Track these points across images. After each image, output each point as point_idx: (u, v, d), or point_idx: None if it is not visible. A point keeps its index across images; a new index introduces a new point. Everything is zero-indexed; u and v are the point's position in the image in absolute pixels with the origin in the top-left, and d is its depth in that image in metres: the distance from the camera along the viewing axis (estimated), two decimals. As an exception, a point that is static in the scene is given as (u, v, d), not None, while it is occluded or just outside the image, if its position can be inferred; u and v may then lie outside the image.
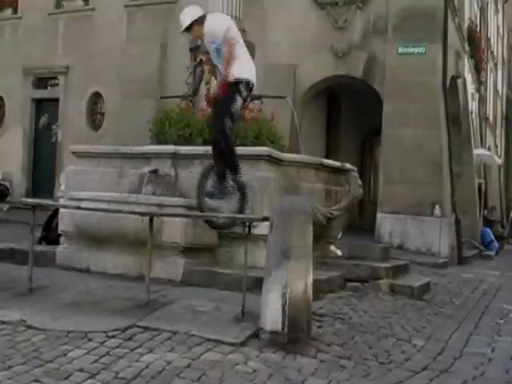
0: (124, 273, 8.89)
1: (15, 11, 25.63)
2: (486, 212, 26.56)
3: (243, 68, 8.58)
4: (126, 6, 22.93)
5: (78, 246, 9.64)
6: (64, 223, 9.86)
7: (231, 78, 8.40)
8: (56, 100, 24.13)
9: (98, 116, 23.61)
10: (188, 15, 8.89)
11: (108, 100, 23.05)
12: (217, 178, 8.55)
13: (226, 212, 8.46)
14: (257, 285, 6.98)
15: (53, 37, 24.05)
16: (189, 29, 8.90)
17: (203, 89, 11.52)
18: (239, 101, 8.48)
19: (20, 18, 25.24)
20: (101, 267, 9.17)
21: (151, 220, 7.35)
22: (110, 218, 8.61)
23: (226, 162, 8.48)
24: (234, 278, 8.09)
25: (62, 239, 10.23)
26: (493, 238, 23.15)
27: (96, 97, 23.50)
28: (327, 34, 19.76)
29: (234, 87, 8.45)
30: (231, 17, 11.80)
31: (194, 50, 11.76)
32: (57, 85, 24.25)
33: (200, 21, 8.77)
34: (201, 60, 11.54)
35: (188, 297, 7.71)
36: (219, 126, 8.41)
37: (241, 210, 8.42)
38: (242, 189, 8.54)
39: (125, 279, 8.62)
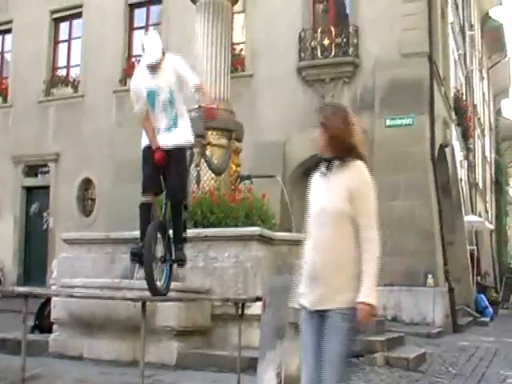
0: (118, 359, 8.85)
1: (5, 99, 25.96)
2: (479, 278, 26.58)
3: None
4: (115, 92, 23.25)
5: (71, 334, 9.61)
6: (56, 311, 9.85)
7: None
8: (47, 187, 24.29)
9: (89, 202, 23.71)
10: (157, 45, 7.99)
11: (99, 185, 23.19)
12: (166, 240, 8.04)
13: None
14: (252, 365, 6.99)
15: (43, 124, 24.35)
16: (157, 65, 7.90)
17: (193, 171, 11.59)
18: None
19: (10, 106, 25.55)
20: (94, 354, 9.13)
21: (144, 305, 7.36)
22: (102, 304, 8.61)
23: (180, 223, 8.22)
24: (229, 359, 8.09)
25: (54, 327, 10.19)
26: (487, 303, 23.13)
27: (87, 182, 23.63)
28: (315, 110, 20.02)
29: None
30: (219, 99, 12.00)
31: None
32: (47, 172, 24.44)
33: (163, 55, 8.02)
34: (190, 143, 11.65)
35: (183, 381, 7.70)
36: (184, 184, 8.39)
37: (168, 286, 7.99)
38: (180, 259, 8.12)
39: (119, 365, 8.59)
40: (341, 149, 4.57)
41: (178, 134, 7.99)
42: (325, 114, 4.76)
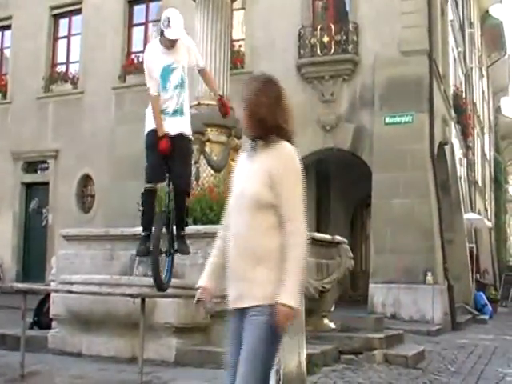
0: (117, 355, 8.84)
1: (4, 96, 25.96)
2: (478, 276, 26.60)
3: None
4: (115, 88, 23.26)
5: (69, 330, 9.60)
6: (55, 307, 9.84)
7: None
8: (46, 184, 24.28)
9: (89, 198, 23.71)
10: (181, 21, 7.91)
11: (98, 182, 23.20)
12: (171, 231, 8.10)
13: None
14: (250, 362, 6.96)
15: (42, 121, 24.35)
16: (176, 41, 7.92)
17: (193, 168, 11.57)
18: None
19: (9, 102, 25.53)
20: (93, 350, 9.13)
21: (143, 301, 7.37)
22: (101, 300, 8.62)
23: (183, 212, 8.27)
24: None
25: (53, 323, 10.20)
26: (486, 301, 23.15)
27: (86, 179, 23.64)
28: (314, 108, 20.07)
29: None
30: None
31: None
32: (47, 168, 24.44)
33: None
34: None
35: (182, 378, 7.69)
36: (190, 172, 8.42)
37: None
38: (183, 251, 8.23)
39: (118, 362, 8.58)
40: (264, 127, 4.07)
41: (183, 122, 8.00)
42: (249, 88, 4.19)
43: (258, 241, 3.94)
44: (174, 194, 8.09)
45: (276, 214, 3.95)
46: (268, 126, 4.05)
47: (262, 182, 3.95)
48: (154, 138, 7.86)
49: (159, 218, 7.90)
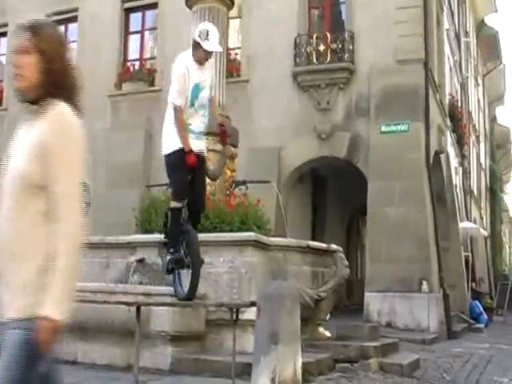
0: (112, 363, 8.83)
1: (0, 103, 25.91)
2: (474, 284, 26.63)
3: None
4: (110, 96, 23.28)
5: (65, 338, 9.57)
6: (51, 315, 9.80)
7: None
8: (42, 191, 24.19)
9: (84, 206, 23.64)
10: (217, 36, 7.96)
11: (93, 189, 23.12)
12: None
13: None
14: (246, 370, 6.98)
15: (38, 128, 24.26)
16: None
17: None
18: None
19: (5, 109, 25.47)
20: (89, 358, 9.11)
21: (138, 309, 7.36)
22: (97, 308, 8.59)
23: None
24: (223, 364, 8.07)
25: (49, 331, 10.15)
26: (482, 310, 23.18)
27: (81, 186, 23.57)
28: (310, 116, 20.10)
29: None
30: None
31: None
32: (42, 176, 24.32)
33: None
34: (184, 148, 11.63)
35: (177, 386, 7.68)
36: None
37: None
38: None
39: (113, 370, 8.57)
40: (44, 85, 3.17)
41: (203, 142, 8.07)
42: (21, 38, 3.31)
43: (21, 235, 3.07)
44: (191, 210, 8.07)
45: (46, 197, 3.09)
46: (49, 82, 3.17)
47: (30, 155, 3.12)
48: (180, 156, 7.76)
49: (191, 229, 7.95)
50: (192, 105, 7.82)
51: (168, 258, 8.11)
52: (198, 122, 7.90)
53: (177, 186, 7.99)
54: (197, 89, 7.80)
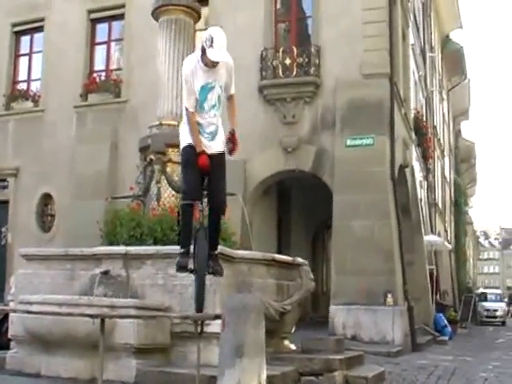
0: (76, 376, 8.75)
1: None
2: (438, 297, 26.83)
3: None
4: (76, 107, 23.17)
5: (28, 351, 9.50)
6: (14, 327, 9.73)
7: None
8: (6, 202, 24.02)
9: (49, 217, 23.53)
10: (225, 42, 7.68)
11: (58, 201, 23.03)
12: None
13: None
14: (211, 383, 6.95)
15: (2, 138, 24.18)
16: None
17: (154, 188, 11.55)
18: None
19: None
20: (52, 371, 9.02)
21: (103, 322, 7.32)
22: (61, 320, 8.53)
23: (219, 229, 8.18)
24: (188, 377, 8.02)
25: (12, 344, 10.07)
26: (446, 323, 23.35)
27: (46, 198, 23.45)
28: (276, 129, 20.13)
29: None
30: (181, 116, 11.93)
31: (144, 149, 11.83)
32: (6, 187, 24.17)
33: None
34: (151, 160, 11.58)
35: (141, 399, 7.63)
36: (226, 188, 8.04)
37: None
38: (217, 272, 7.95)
39: (77, 383, 8.51)
40: None
41: (218, 141, 7.85)
42: None
43: None
44: (209, 211, 7.84)
45: None
46: None
47: None
48: (191, 153, 7.66)
49: (202, 234, 7.68)
50: (201, 106, 7.72)
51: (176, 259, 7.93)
52: (210, 122, 7.79)
53: (185, 185, 7.84)
54: (204, 90, 7.69)
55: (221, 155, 7.86)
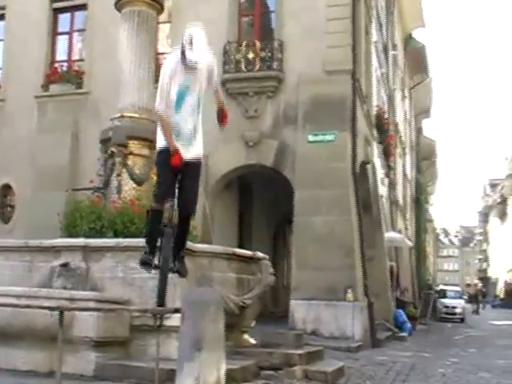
0: (35, 369, 8.68)
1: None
2: (398, 293, 27.02)
3: None
4: (37, 97, 22.94)
5: (-15, 343, 9.39)
6: (-28, 320, 9.62)
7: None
8: (-35, 193, 23.73)
9: (8, 208, 23.30)
10: (204, 42, 7.63)
11: (18, 192, 22.80)
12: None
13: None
14: (170, 377, 6.94)
15: (-39, 128, 23.81)
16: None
17: (115, 181, 11.48)
18: None
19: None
20: (10, 364, 8.92)
21: (61, 314, 7.26)
22: (19, 312, 8.46)
23: (187, 233, 8.16)
24: (147, 371, 8.00)
25: (-31, 336, 9.95)
26: (405, 319, 23.50)
27: (6, 189, 23.22)
28: (238, 124, 20.06)
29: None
30: (142, 108, 11.84)
31: (105, 141, 11.74)
32: (-35, 178, 23.87)
33: None
34: (112, 152, 11.50)
35: (100, 392, 7.59)
36: (197, 196, 7.95)
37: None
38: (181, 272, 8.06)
39: (36, 376, 8.43)
40: None
41: (196, 146, 7.75)
42: None
43: None
44: (179, 212, 7.81)
45: None
46: None
47: None
48: (165, 155, 7.57)
49: (169, 231, 7.64)
50: (179, 107, 7.61)
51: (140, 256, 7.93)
52: (187, 127, 7.67)
53: (157, 187, 7.85)
54: (183, 91, 7.58)
55: (198, 161, 7.82)
